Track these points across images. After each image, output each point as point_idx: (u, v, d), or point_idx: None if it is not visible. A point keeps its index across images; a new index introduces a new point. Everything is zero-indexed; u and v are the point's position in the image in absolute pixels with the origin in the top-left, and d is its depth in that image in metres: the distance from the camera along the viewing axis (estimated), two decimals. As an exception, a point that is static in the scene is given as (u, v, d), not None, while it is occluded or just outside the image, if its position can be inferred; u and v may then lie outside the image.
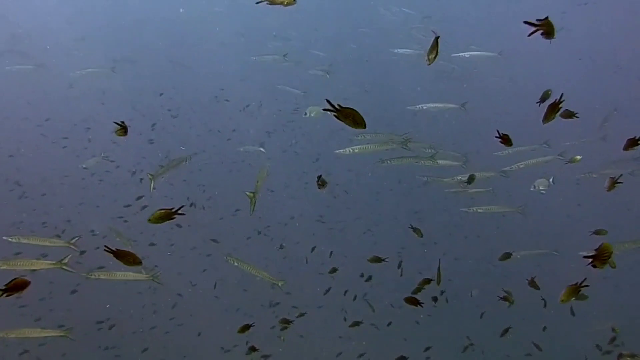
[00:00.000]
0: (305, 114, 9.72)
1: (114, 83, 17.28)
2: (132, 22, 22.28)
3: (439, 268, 7.39)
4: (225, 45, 21.98)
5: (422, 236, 8.79)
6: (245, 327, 7.06)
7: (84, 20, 21.34)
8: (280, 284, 8.29)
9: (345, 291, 12.03)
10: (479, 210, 10.63)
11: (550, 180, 9.87)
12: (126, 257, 4.73)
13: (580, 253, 8.02)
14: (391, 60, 18.64)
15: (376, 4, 23.42)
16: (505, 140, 5.97)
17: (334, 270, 9.29)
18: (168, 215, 4.60)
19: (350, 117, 3.99)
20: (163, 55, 21.06)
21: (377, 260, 8.35)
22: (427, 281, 7.22)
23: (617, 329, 9.02)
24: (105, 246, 4.60)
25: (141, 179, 13.76)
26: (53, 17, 20.82)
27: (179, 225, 13.58)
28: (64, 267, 6.99)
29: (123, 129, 5.30)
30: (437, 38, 4.67)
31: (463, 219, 14.60)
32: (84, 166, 13.86)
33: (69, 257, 7.04)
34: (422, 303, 6.86)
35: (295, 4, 4.19)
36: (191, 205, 13.76)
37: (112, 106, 16.90)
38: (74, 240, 7.89)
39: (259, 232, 14.04)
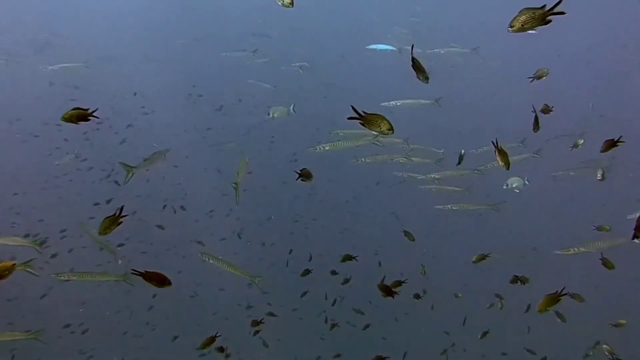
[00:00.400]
0: (269, 114, 9.62)
1: (87, 80, 16.86)
2: (107, 18, 21.86)
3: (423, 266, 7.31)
4: (199, 41, 21.64)
5: (413, 240, 8.73)
6: (210, 340, 6.75)
7: (58, 15, 20.88)
8: (256, 281, 8.17)
9: (325, 294, 11.83)
10: (453, 208, 10.58)
11: (525, 180, 9.86)
12: (156, 279, 4.47)
13: (556, 252, 8.05)
14: (369, 57, 18.57)
15: (359, 3, 23.38)
16: (502, 154, 5.34)
17: (307, 272, 9.12)
18: (113, 222, 4.41)
19: (375, 123, 3.91)
20: (139, 52, 20.69)
21: (349, 258, 8.31)
22: (399, 283, 7.15)
23: (623, 322, 8.76)
24: (132, 269, 4.40)
25: (116, 182, 13.45)
26: (26, 12, 20.33)
27: (160, 227, 13.37)
28: (28, 269, 6.76)
29: (80, 115, 4.45)
30: (413, 60, 4.48)
31: (440, 217, 14.54)
32: (57, 163, 13.59)
33: (33, 259, 6.83)
34: (397, 293, 6.71)
35: (292, 7, 4.05)
36: (164, 207, 13.55)
37: (85, 103, 16.47)
38: (37, 241, 7.69)
39: (239, 235, 13.83)
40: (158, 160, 9.31)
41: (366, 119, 3.85)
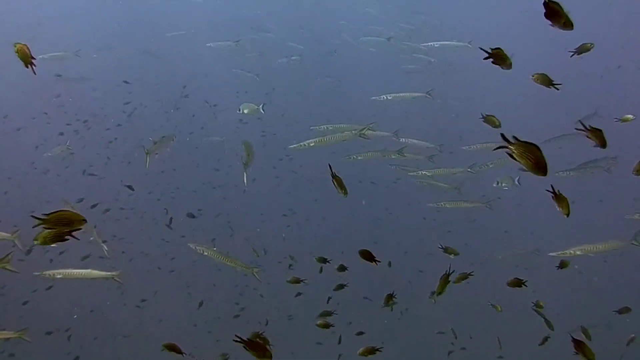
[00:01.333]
0: (239, 110, 9.40)
1: (79, 72, 16.59)
2: (100, 9, 21.60)
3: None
4: (197, 34, 21.38)
5: (458, 254, 8.27)
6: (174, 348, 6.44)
7: (47, 3, 20.60)
8: (254, 271, 7.78)
9: (328, 298, 11.44)
10: (446, 206, 10.33)
11: (516, 180, 9.69)
12: (258, 349, 4.32)
13: (551, 254, 7.83)
14: (364, 51, 18.41)
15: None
16: (560, 199, 4.64)
17: (297, 281, 8.74)
18: (59, 237, 3.90)
19: (527, 156, 2.99)
20: (133, 44, 20.43)
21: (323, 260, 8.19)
22: (390, 296, 6.96)
23: None
24: (236, 335, 4.21)
25: (129, 186, 13.18)
26: (13, 3, 20.06)
27: (169, 227, 13.15)
28: (7, 266, 6.53)
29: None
30: (492, 53, 4.18)
31: (434, 215, 14.35)
32: (48, 154, 13.44)
33: (11, 254, 6.57)
34: (378, 260, 6.39)
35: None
36: (165, 209, 13.42)
37: (77, 96, 16.26)
38: (16, 234, 7.46)
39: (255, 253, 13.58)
40: (167, 144, 9.64)
41: (517, 149, 2.98)
